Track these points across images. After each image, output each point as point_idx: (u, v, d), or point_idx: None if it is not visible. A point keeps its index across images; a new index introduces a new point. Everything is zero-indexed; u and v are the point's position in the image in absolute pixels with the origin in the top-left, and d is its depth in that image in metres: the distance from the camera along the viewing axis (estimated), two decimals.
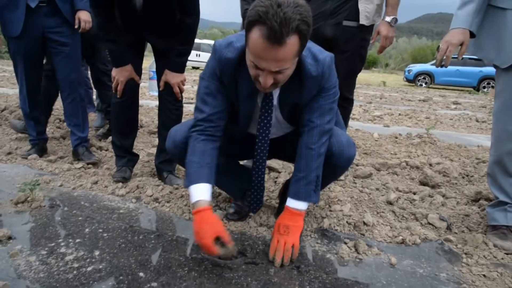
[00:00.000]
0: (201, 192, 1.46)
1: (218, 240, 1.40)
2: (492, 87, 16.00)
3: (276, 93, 1.55)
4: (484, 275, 1.48)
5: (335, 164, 1.62)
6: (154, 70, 2.83)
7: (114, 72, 2.17)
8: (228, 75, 1.49)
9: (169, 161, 2.38)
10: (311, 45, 1.49)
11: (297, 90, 1.51)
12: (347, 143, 1.60)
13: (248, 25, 1.26)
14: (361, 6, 2.31)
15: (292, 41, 1.24)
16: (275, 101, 1.57)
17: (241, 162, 2.08)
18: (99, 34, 2.15)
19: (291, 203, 1.57)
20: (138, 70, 2.27)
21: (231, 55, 1.45)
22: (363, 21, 2.32)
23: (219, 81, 1.52)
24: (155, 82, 2.80)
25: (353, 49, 2.40)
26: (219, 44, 1.49)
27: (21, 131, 3.24)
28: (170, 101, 2.29)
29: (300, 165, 1.55)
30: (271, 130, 1.66)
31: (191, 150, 1.53)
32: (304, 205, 1.57)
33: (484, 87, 16.16)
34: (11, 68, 3.63)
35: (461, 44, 1.72)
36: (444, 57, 1.75)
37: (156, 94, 2.40)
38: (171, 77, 2.21)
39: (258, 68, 1.32)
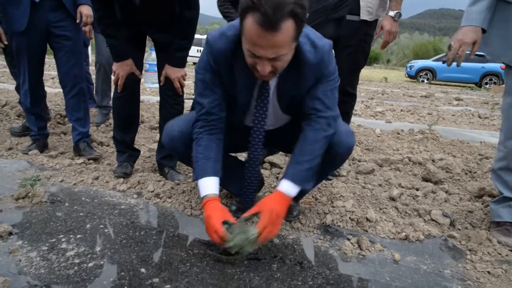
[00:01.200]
0: (209, 186, 1.50)
1: (226, 225, 1.41)
2: (495, 83, 15.94)
3: (272, 84, 1.53)
4: (488, 272, 1.47)
5: (334, 153, 1.59)
6: (149, 62, 2.80)
7: (115, 66, 2.15)
8: (224, 66, 1.48)
9: (170, 156, 2.37)
10: (309, 31, 1.46)
11: (295, 80, 1.49)
12: (345, 132, 1.59)
13: (241, 13, 1.24)
14: (363, 2, 2.28)
15: (288, 26, 1.21)
16: (271, 92, 1.55)
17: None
18: (99, 28, 2.13)
19: (285, 186, 1.48)
20: (139, 65, 2.25)
21: (224, 46, 1.43)
22: (364, 16, 2.29)
23: (214, 74, 1.50)
24: (150, 74, 2.77)
25: (356, 44, 2.37)
26: (212, 36, 1.47)
27: (19, 133, 3.21)
28: (170, 96, 2.27)
29: (305, 149, 1.49)
30: (269, 122, 1.65)
31: (196, 145, 1.55)
32: (296, 191, 1.50)
33: (486, 83, 16.09)
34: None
35: (474, 43, 1.67)
36: (457, 56, 1.70)
37: (152, 86, 2.37)
38: (172, 72, 2.19)
39: (255, 56, 1.30)
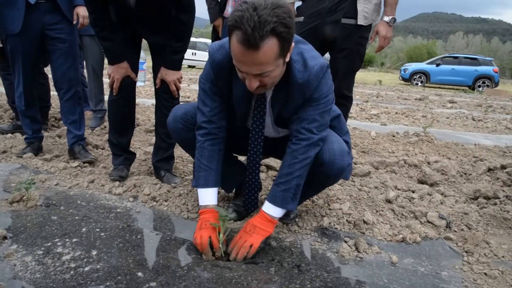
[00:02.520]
0: (210, 196, 1.61)
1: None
2: (487, 86, 16.10)
3: (269, 95, 1.54)
4: (485, 273, 1.48)
5: (327, 173, 1.58)
6: (140, 61, 2.81)
7: (110, 69, 2.14)
8: (222, 77, 1.51)
9: (166, 159, 2.36)
10: (306, 49, 1.46)
11: (283, 97, 1.50)
12: (339, 152, 1.55)
13: (228, 31, 1.28)
14: (360, 6, 2.30)
15: (269, 44, 1.23)
16: (267, 104, 1.56)
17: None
18: (94, 31, 2.12)
19: (266, 207, 1.55)
20: (134, 68, 2.24)
21: (223, 58, 1.47)
22: (361, 21, 2.31)
23: (213, 84, 1.55)
24: (140, 73, 2.78)
25: (351, 47, 2.38)
26: (212, 47, 1.51)
27: (8, 131, 3.25)
28: (166, 99, 2.27)
29: (282, 171, 1.53)
30: (269, 131, 1.68)
31: (200, 153, 1.62)
32: (278, 212, 1.54)
33: (479, 86, 16.24)
34: None
35: None
36: None
37: (143, 85, 2.38)
38: (167, 74, 2.19)
39: (242, 71, 1.33)
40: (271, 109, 1.57)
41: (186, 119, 1.71)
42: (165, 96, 2.26)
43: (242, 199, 1.82)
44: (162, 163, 2.35)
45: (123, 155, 2.37)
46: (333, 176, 1.63)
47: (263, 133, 1.61)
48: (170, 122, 1.77)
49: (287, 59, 1.37)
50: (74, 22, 2.54)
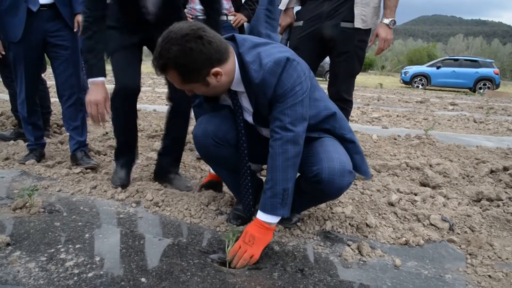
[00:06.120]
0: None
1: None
2: (488, 88, 16.09)
3: (241, 95, 1.58)
4: (489, 276, 1.47)
5: (326, 192, 1.56)
6: None
7: (88, 95, 2.10)
8: None
9: (175, 162, 2.36)
10: (266, 49, 1.45)
11: (250, 96, 1.53)
12: (339, 171, 1.49)
13: None
14: (357, 10, 2.30)
15: (169, 73, 1.40)
16: (243, 102, 1.60)
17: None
18: (84, 37, 2.05)
19: (260, 214, 1.52)
20: (138, 74, 2.23)
21: None
22: (358, 24, 2.31)
23: None
24: None
25: (351, 50, 2.39)
26: None
27: (10, 138, 3.28)
28: (181, 103, 2.27)
29: (267, 176, 1.51)
30: (262, 131, 1.71)
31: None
32: (272, 219, 1.51)
33: (480, 88, 16.23)
34: None
35: None
36: None
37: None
38: None
39: None
40: (251, 107, 1.59)
41: (217, 134, 1.66)
42: (180, 101, 2.25)
43: (239, 198, 1.84)
44: (172, 166, 2.35)
45: (127, 155, 2.33)
46: (333, 195, 1.62)
47: (242, 127, 1.64)
48: (200, 136, 1.69)
49: (217, 79, 1.42)
50: (75, 30, 2.56)
